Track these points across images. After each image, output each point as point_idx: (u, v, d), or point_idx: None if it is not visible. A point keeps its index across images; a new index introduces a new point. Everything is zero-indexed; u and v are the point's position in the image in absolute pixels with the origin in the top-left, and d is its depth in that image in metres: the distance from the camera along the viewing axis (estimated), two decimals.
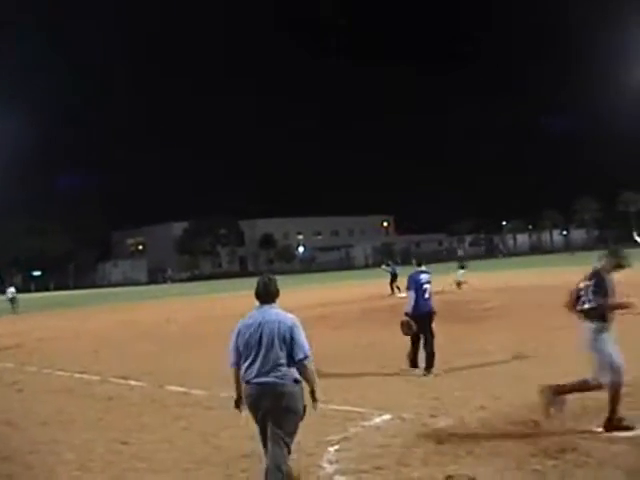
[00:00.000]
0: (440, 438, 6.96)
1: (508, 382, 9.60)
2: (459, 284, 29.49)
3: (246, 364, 5.47)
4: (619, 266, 7.17)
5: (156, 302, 42.70)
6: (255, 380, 5.40)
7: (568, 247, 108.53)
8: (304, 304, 25.39)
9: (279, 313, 5.56)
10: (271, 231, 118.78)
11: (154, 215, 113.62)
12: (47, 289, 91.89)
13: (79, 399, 10.78)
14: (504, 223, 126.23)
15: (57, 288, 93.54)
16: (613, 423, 6.70)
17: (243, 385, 5.53)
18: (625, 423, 6.70)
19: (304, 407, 5.47)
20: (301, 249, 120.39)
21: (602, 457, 5.99)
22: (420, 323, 10.95)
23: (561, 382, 7.16)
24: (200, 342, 17.56)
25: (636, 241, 17.54)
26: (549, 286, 29.02)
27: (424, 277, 11.27)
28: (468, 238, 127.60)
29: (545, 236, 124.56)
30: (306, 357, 5.41)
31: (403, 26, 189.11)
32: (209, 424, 8.34)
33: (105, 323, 27.07)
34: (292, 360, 5.38)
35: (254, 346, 5.43)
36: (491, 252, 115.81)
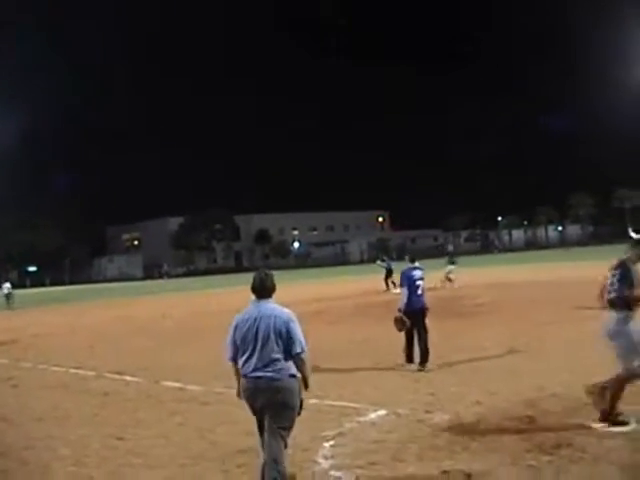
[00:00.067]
0: (435, 434, 6.98)
1: (503, 377, 9.62)
2: (449, 279, 29.47)
3: (243, 358, 5.53)
4: None
5: (152, 297, 42.67)
6: (252, 374, 5.45)
7: (563, 243, 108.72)
8: (299, 299, 25.40)
9: (275, 308, 5.59)
10: (266, 226, 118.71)
11: (149, 210, 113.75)
12: (43, 284, 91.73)
13: (74, 395, 10.77)
14: (499, 219, 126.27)
15: (53, 283, 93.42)
16: (610, 416, 6.71)
17: (241, 378, 5.57)
18: (621, 418, 6.71)
19: (301, 401, 5.52)
20: (296, 244, 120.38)
21: (597, 452, 6.01)
22: (413, 319, 10.98)
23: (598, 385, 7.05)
24: (196, 337, 17.56)
25: (631, 237, 17.47)
26: (544, 282, 29.13)
27: (417, 273, 11.30)
28: (463, 234, 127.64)
29: (540, 232, 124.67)
30: (303, 351, 5.48)
31: (403, 26, 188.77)
32: (205, 419, 8.35)
33: (101, 318, 27.05)
34: (289, 354, 5.43)
35: (251, 341, 5.47)
36: (486, 248, 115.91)
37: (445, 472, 5.81)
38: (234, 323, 5.67)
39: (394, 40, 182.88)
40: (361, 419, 7.82)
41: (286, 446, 5.48)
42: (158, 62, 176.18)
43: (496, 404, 8.06)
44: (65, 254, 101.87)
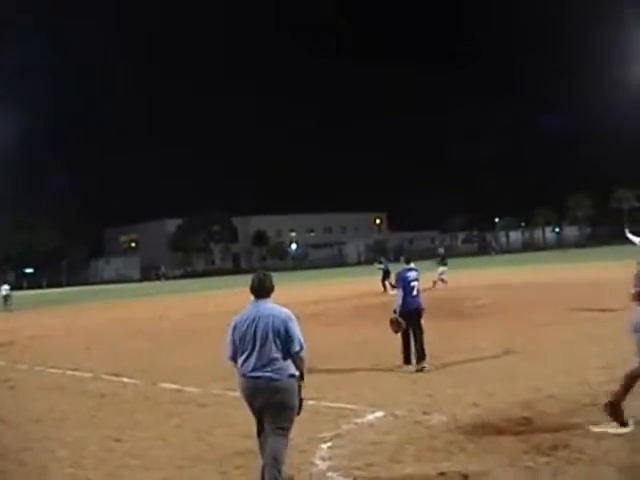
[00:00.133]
0: (433, 435, 6.99)
1: (500, 379, 9.63)
2: (442, 280, 29.52)
3: (242, 358, 5.56)
4: None
5: (149, 299, 42.64)
6: (250, 374, 5.49)
7: (561, 244, 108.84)
8: (297, 301, 25.36)
9: (273, 307, 5.63)
10: (264, 228, 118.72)
11: (147, 212, 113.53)
12: (40, 286, 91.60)
13: (72, 396, 10.76)
14: (497, 220, 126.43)
15: (49, 285, 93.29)
16: (614, 408, 6.71)
17: (239, 378, 5.60)
18: (623, 416, 6.69)
19: (300, 401, 5.55)
20: (294, 246, 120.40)
21: (594, 454, 6.01)
22: (409, 320, 11.01)
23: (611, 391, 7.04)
24: (193, 339, 17.55)
25: (627, 238, 17.59)
26: (541, 283, 29.15)
27: (412, 274, 11.33)
28: (461, 235, 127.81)
29: (538, 233, 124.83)
30: (302, 349, 5.54)
31: (403, 26, 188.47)
32: (203, 421, 8.35)
33: (98, 320, 27.02)
34: (287, 353, 5.47)
35: (249, 340, 5.51)
36: (484, 249, 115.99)
37: (442, 473, 5.81)
38: (233, 323, 5.71)
39: (394, 40, 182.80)
40: (359, 420, 7.82)
41: (287, 445, 5.52)
42: (158, 62, 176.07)
43: (493, 405, 8.06)
44: (62, 255, 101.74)
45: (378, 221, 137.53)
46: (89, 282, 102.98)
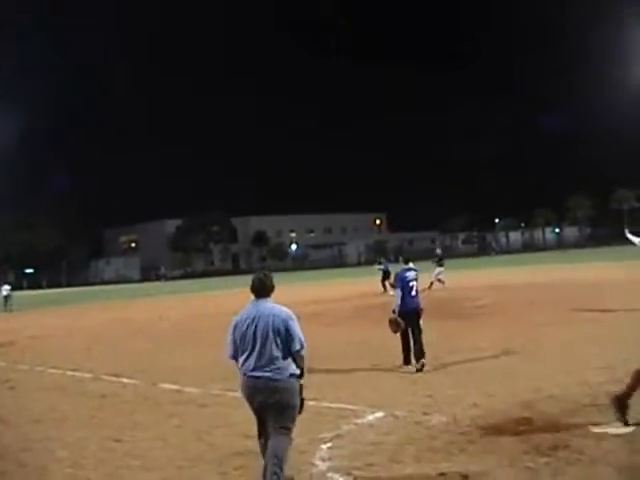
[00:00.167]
0: (433, 435, 6.98)
1: (500, 379, 9.63)
2: (440, 280, 29.55)
3: (243, 357, 5.58)
4: None
5: (149, 300, 42.65)
6: (251, 374, 5.51)
7: (561, 245, 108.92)
8: (297, 301, 25.33)
9: (274, 307, 5.65)
10: (264, 228, 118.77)
11: (147, 212, 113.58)
12: (40, 287, 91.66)
13: (72, 397, 10.76)
14: (497, 221, 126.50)
15: (50, 286, 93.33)
16: (621, 402, 6.71)
17: (240, 377, 5.62)
18: (627, 414, 6.69)
19: (302, 401, 5.56)
20: (294, 247, 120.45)
21: (594, 454, 6.01)
22: (408, 320, 11.01)
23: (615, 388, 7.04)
24: (193, 340, 17.55)
25: (627, 238, 17.62)
26: (541, 284, 29.16)
27: (410, 274, 11.34)
28: (461, 236, 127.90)
29: (538, 234, 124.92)
30: (302, 347, 5.56)
31: (403, 26, 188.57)
32: (202, 422, 8.35)
33: (98, 321, 27.03)
34: (288, 352, 5.49)
35: (249, 340, 5.53)
36: (484, 250, 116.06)
37: (442, 474, 5.81)
38: (233, 323, 5.72)
39: (394, 40, 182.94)
40: (359, 421, 7.82)
41: (289, 444, 5.54)
42: (158, 62, 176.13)
43: (493, 406, 8.06)
44: (62, 255, 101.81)
45: (378, 222, 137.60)
46: (89, 282, 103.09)
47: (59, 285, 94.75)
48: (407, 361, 11.08)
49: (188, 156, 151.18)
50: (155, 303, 38.06)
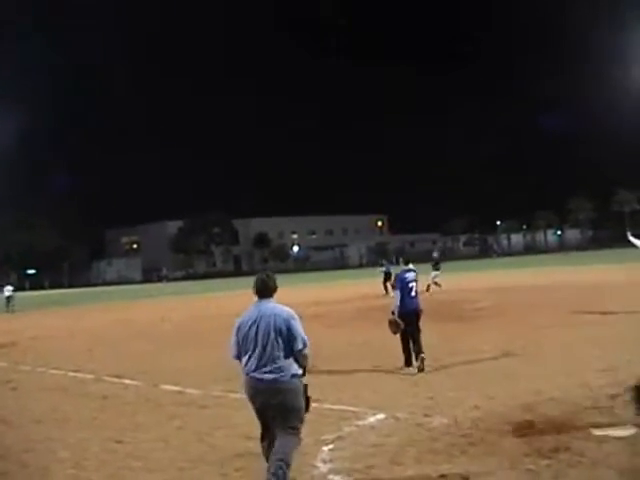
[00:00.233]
0: (434, 437, 6.99)
1: (501, 381, 9.63)
2: (436, 284, 29.55)
3: (245, 358, 5.61)
4: None
5: (151, 301, 42.65)
6: (253, 374, 5.53)
7: (562, 247, 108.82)
8: (298, 303, 25.34)
9: (275, 307, 5.67)
10: (265, 230, 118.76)
11: (149, 214, 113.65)
12: (42, 287, 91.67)
13: (73, 398, 10.77)
14: (498, 223, 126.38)
15: (52, 286, 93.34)
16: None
17: (243, 377, 5.64)
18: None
19: (308, 399, 5.57)
20: (295, 248, 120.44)
21: (595, 457, 6.01)
22: (407, 321, 11.01)
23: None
24: (195, 341, 17.57)
25: (629, 241, 17.63)
26: (542, 286, 29.15)
27: (410, 275, 11.35)
28: (462, 238, 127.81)
29: (539, 236, 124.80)
30: (305, 346, 5.57)
31: (403, 26, 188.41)
32: (204, 423, 8.35)
33: (99, 322, 27.03)
34: (290, 351, 5.50)
35: (251, 341, 5.56)
36: (485, 252, 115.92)
37: (443, 476, 5.82)
38: (237, 324, 5.75)
39: (394, 40, 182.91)
40: (360, 423, 7.82)
41: (297, 444, 5.56)
42: (158, 62, 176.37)
43: (494, 408, 8.06)
44: (64, 256, 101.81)
45: (379, 223, 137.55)
46: (91, 283, 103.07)
47: (61, 286, 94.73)
48: (408, 363, 11.08)
49: (188, 156, 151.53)
50: (157, 304, 38.06)
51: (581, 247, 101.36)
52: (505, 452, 6.33)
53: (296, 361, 5.55)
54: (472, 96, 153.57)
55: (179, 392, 10.56)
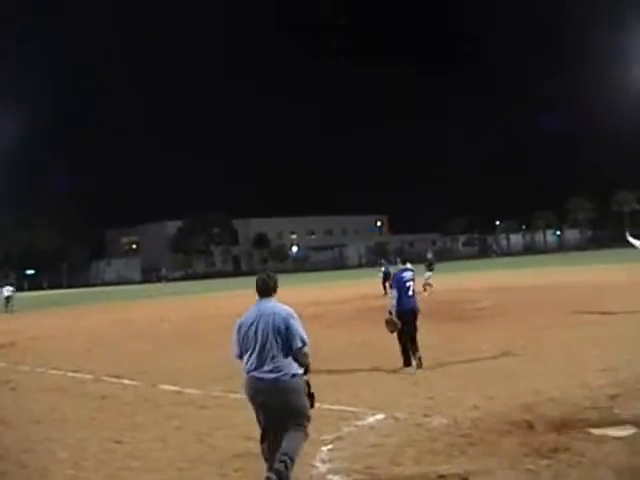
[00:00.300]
0: (433, 438, 6.98)
1: (501, 381, 9.62)
2: (429, 284, 29.54)
3: (246, 357, 5.64)
4: None
5: (150, 301, 42.65)
6: (253, 373, 5.54)
7: (561, 247, 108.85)
8: (297, 303, 25.29)
9: (275, 306, 5.68)
10: (265, 230, 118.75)
11: (147, 213, 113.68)
12: (41, 288, 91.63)
13: (72, 398, 10.76)
14: (497, 223, 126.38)
15: (51, 287, 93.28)
16: None
17: (244, 376, 5.65)
18: None
19: (312, 395, 5.58)
20: (295, 248, 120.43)
21: (595, 457, 6.01)
22: (405, 320, 11.01)
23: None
24: (194, 341, 17.56)
25: (628, 241, 17.68)
26: (542, 286, 29.16)
27: (407, 275, 11.36)
28: (462, 238, 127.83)
29: (538, 236, 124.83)
30: (304, 345, 5.57)
31: (403, 26, 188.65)
32: (203, 423, 8.34)
33: (99, 322, 27.02)
34: (289, 350, 5.51)
35: (251, 340, 5.58)
36: (484, 252, 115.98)
37: (443, 476, 5.81)
38: (237, 323, 5.77)
39: (394, 40, 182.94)
40: (359, 423, 7.81)
41: (302, 440, 5.58)
42: (158, 62, 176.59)
43: (494, 408, 8.06)
44: (63, 256, 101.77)
45: (379, 223, 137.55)
46: (90, 284, 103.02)
47: (60, 286, 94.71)
48: (407, 363, 11.07)
49: (188, 156, 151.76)
50: (156, 304, 38.07)
51: (580, 247, 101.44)
52: (505, 452, 6.32)
53: (296, 360, 5.54)
54: (472, 96, 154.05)
55: (178, 392, 10.55)
